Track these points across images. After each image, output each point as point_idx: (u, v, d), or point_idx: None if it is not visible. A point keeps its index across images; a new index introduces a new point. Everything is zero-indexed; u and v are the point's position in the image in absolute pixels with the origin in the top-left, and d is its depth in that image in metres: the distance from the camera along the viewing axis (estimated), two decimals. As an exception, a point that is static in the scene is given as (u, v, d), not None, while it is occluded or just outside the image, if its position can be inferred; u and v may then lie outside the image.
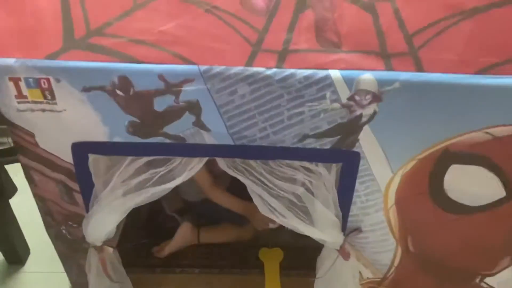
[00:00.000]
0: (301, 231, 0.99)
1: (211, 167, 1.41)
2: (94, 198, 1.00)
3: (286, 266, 1.37)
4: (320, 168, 0.93)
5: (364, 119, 0.86)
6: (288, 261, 1.39)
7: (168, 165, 0.95)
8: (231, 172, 0.94)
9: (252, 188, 0.94)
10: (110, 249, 1.10)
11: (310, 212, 0.96)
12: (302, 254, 1.40)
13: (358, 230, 1.04)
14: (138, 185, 0.97)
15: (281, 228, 1.49)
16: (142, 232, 1.53)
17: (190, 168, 0.95)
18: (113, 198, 0.98)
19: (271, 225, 1.41)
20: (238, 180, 1.62)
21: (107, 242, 1.10)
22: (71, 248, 1.15)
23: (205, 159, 0.94)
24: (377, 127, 0.88)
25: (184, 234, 1.46)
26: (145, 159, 0.95)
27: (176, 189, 1.64)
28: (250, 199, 1.46)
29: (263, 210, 0.97)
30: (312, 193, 0.95)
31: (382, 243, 1.07)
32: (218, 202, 1.40)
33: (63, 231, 1.11)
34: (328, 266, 1.10)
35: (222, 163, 0.94)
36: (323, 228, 0.98)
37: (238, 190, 1.45)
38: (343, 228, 1.03)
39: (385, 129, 0.88)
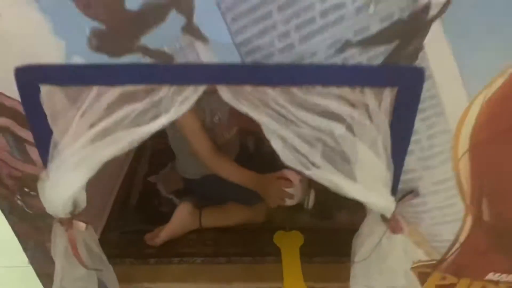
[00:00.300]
0: (341, 188, 0.68)
1: (211, 133, 1.13)
2: (53, 150, 0.70)
3: (307, 252, 1.11)
4: (367, 96, 0.63)
5: (433, 11, 0.57)
6: (310, 246, 1.12)
7: (150, 98, 0.65)
8: (239, 106, 0.65)
9: (271, 127, 0.64)
10: (82, 225, 0.81)
11: (352, 161, 0.66)
12: (327, 237, 1.13)
13: (414, 193, 0.74)
14: (111, 128, 0.67)
15: (301, 205, 1.23)
16: (133, 216, 1.26)
17: (181, 102, 0.65)
18: (77, 148, 0.68)
19: (288, 201, 1.13)
20: (245, 153, 1.36)
21: (78, 216, 0.81)
22: (31, 226, 0.85)
23: (201, 88, 0.65)
24: (452, 25, 0.58)
25: (183, 217, 1.18)
26: (117, 90, 0.65)
27: (173, 167, 1.40)
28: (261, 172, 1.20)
29: (286, 158, 0.66)
30: (355, 134, 0.65)
31: (446, 211, 0.76)
32: (222, 174, 1.12)
33: (18, 202, 0.82)
34: (371, 245, 0.79)
35: (226, 93, 0.65)
36: (369, 184, 0.68)
37: (247, 165, 1.18)
38: (394, 190, 0.73)
39: (464, 28, 0.58)
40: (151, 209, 1.27)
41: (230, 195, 1.19)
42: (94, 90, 0.66)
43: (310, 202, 1.21)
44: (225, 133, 1.20)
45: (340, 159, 0.66)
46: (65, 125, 0.69)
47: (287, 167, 0.72)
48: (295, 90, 0.64)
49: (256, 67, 0.63)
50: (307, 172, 0.67)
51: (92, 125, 0.67)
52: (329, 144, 0.65)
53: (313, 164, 0.65)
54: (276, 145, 0.66)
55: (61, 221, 0.80)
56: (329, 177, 0.66)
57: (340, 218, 1.20)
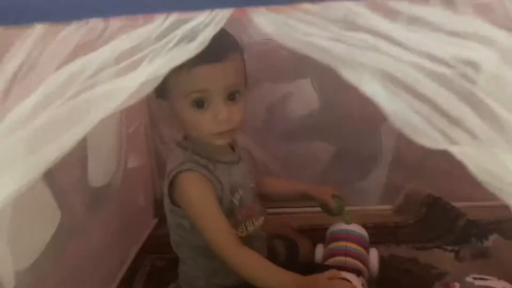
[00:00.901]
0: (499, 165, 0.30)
1: (229, 219, 0.77)
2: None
3: None
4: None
5: None
6: None
7: (128, 36, 0.36)
8: (287, 30, 0.34)
9: (359, 58, 0.31)
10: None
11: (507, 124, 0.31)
12: None
13: None
14: (55, 92, 0.36)
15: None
16: None
17: (179, 41, 0.36)
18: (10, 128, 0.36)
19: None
20: (275, 260, 0.88)
21: None
22: None
23: (222, 14, 0.36)
24: None
25: None
26: (76, 32, 0.37)
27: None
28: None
29: (400, 115, 0.31)
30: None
31: None
32: (251, 274, 0.72)
33: None
34: None
35: (264, 16, 0.35)
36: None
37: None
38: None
39: None
40: None
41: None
42: (37, 31, 0.37)
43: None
44: (247, 222, 0.83)
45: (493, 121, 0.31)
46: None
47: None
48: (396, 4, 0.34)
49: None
50: (451, 149, 0.30)
51: (29, 85, 0.37)
52: (467, 77, 0.31)
53: (466, 129, 0.30)
54: (375, 90, 0.31)
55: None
56: (496, 156, 0.29)
57: None
